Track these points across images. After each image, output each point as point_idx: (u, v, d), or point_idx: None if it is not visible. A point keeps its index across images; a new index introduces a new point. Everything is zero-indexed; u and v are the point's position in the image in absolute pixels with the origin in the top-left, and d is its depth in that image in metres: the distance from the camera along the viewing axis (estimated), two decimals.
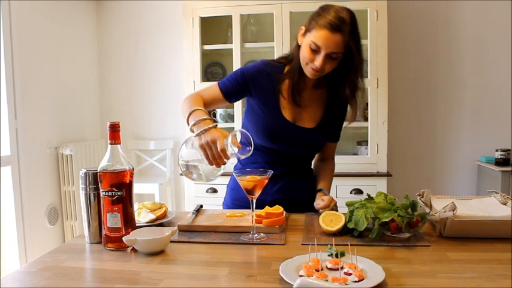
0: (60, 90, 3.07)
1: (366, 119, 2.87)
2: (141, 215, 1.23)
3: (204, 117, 1.22)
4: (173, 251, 1.03)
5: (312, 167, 1.61)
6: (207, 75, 3.25)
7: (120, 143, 1.06)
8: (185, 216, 1.32)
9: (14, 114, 2.58)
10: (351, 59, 1.27)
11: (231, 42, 2.93)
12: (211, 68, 3.29)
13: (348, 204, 1.16)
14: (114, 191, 1.02)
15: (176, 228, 1.08)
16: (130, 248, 1.04)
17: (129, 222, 1.06)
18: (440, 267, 0.89)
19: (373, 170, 2.82)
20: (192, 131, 1.22)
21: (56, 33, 3.02)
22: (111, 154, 1.04)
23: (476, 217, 1.07)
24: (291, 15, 2.79)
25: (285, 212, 1.23)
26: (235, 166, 1.55)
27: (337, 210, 1.31)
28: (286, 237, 1.12)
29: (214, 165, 1.15)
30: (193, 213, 1.31)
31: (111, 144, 1.05)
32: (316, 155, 1.59)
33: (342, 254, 0.90)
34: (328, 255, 0.91)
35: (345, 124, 1.51)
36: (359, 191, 2.76)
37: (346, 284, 0.78)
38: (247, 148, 1.15)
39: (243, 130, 1.19)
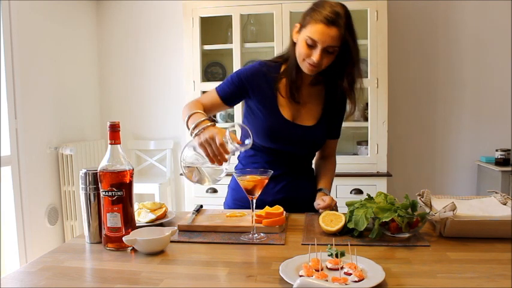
0: (60, 90, 3.07)
1: (366, 119, 2.87)
2: (141, 215, 1.23)
3: (202, 118, 1.23)
4: (173, 251, 1.03)
5: (313, 165, 1.61)
6: (207, 75, 3.25)
7: (120, 143, 1.06)
8: (185, 216, 1.32)
9: (14, 114, 2.58)
10: (347, 52, 1.27)
11: (231, 42, 2.93)
12: (211, 68, 3.29)
13: (348, 204, 1.16)
14: (114, 191, 1.02)
15: (176, 228, 1.08)
16: (130, 248, 1.04)
17: (129, 222, 1.06)
18: (440, 267, 0.89)
19: (373, 170, 2.82)
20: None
21: (56, 33, 3.02)
22: (111, 154, 1.04)
23: (476, 217, 1.07)
24: (291, 15, 2.79)
25: (285, 212, 1.23)
26: (236, 166, 1.55)
27: (337, 210, 1.31)
28: (286, 237, 1.12)
29: (217, 164, 1.15)
30: (193, 213, 1.31)
31: (111, 144, 1.05)
32: (317, 153, 1.59)
33: (342, 254, 0.90)
34: (328, 255, 0.91)
35: (344, 118, 1.51)
36: (359, 191, 2.76)
37: (346, 284, 0.78)
38: (246, 141, 1.15)
39: (240, 123, 1.19)
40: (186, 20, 2.92)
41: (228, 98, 1.42)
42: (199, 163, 1.18)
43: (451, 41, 3.13)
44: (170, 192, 3.41)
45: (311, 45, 1.26)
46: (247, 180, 1.14)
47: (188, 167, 1.20)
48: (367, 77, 2.76)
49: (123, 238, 1.00)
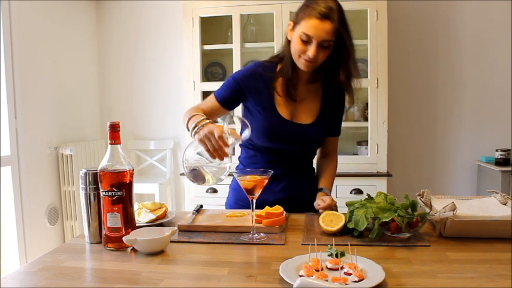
0: (60, 90, 3.07)
1: (366, 119, 2.87)
2: (141, 215, 1.23)
3: (201, 118, 1.24)
4: (173, 251, 1.03)
5: (315, 164, 1.61)
6: (207, 75, 3.25)
7: (120, 143, 1.06)
8: (185, 216, 1.32)
9: (14, 114, 2.58)
10: (342, 46, 1.28)
11: (231, 42, 2.93)
12: (211, 68, 3.29)
13: (348, 204, 1.16)
14: (114, 191, 1.02)
15: (176, 228, 1.08)
16: (130, 248, 1.04)
17: (129, 222, 1.06)
18: (440, 267, 0.89)
19: (373, 170, 2.82)
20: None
21: (56, 33, 3.02)
22: (111, 154, 1.04)
23: (476, 217, 1.07)
24: (291, 15, 2.79)
25: (285, 212, 1.23)
26: (236, 166, 1.55)
27: (337, 210, 1.31)
28: (286, 237, 1.12)
29: (218, 160, 1.14)
30: (193, 213, 1.31)
31: (111, 144, 1.05)
32: (318, 152, 1.59)
33: (342, 254, 0.90)
34: (328, 255, 0.91)
35: (344, 113, 1.52)
36: (359, 191, 2.76)
37: (346, 284, 0.78)
38: (245, 132, 1.15)
39: (237, 115, 1.20)
40: (186, 20, 2.92)
41: (226, 102, 1.43)
42: (202, 162, 1.18)
43: (451, 41, 3.13)
44: (170, 192, 3.41)
45: (306, 41, 1.27)
46: (247, 180, 1.14)
47: (191, 167, 1.19)
48: (367, 77, 2.76)
49: (123, 238, 1.00)
